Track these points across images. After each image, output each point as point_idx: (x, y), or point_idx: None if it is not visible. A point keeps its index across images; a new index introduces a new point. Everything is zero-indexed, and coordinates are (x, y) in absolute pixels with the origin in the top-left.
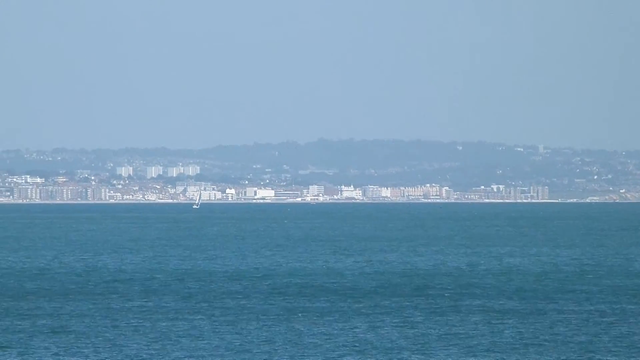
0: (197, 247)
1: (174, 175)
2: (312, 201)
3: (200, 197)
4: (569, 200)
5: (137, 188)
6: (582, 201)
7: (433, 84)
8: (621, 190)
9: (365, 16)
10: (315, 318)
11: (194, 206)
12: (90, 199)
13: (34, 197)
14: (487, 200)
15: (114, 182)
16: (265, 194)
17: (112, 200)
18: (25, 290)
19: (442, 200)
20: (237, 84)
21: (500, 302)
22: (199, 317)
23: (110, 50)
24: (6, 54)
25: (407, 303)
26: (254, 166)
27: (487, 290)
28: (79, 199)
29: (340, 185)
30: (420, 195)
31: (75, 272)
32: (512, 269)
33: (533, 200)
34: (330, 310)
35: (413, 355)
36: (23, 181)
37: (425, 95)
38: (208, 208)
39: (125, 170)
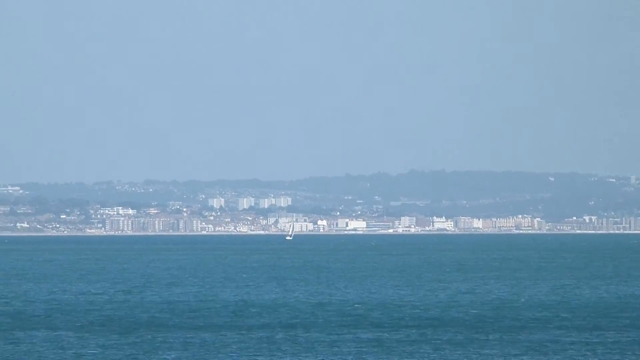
0: (325, 279)
1: (266, 207)
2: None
3: (293, 228)
4: None
5: (228, 219)
6: None
7: (525, 116)
8: None
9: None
10: None
11: (287, 237)
12: (182, 231)
13: (125, 229)
14: (579, 232)
15: (206, 213)
16: (357, 225)
17: (203, 232)
18: (218, 325)
19: (533, 232)
20: (328, 116)
21: None
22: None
23: (197, 83)
24: (100, 86)
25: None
26: (346, 197)
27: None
28: (170, 231)
29: (432, 216)
30: (511, 226)
31: (228, 304)
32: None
33: (626, 232)
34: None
35: None
36: (115, 213)
37: (516, 127)
38: (301, 239)
39: (217, 202)
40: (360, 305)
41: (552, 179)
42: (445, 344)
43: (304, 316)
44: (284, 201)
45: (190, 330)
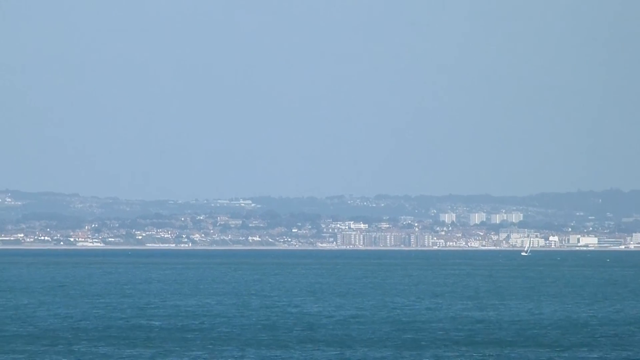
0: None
1: (497, 222)
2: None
3: (530, 244)
4: None
5: (460, 235)
6: None
7: None
8: None
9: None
10: None
11: (523, 253)
12: (413, 246)
13: (357, 243)
14: None
15: (437, 228)
16: (588, 241)
17: (435, 247)
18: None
19: None
20: (557, 133)
21: None
22: None
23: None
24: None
25: None
26: (577, 213)
27: None
28: (402, 245)
29: None
30: None
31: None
32: None
33: None
34: None
35: None
36: (346, 227)
37: None
38: (539, 255)
39: (448, 217)
40: None
41: None
42: None
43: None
44: (516, 217)
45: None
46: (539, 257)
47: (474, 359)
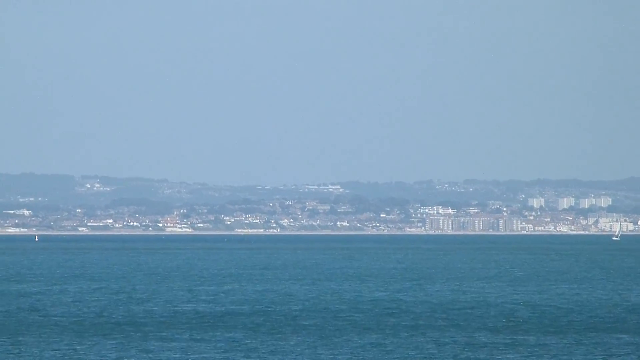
0: None
1: (586, 207)
2: None
3: (620, 228)
4: None
5: (548, 219)
6: None
7: None
8: None
9: None
10: None
11: (614, 238)
12: (501, 230)
13: (445, 228)
14: None
15: (526, 213)
16: None
17: (523, 232)
18: None
19: None
20: None
21: None
22: None
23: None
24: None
25: None
26: None
27: None
28: (490, 230)
29: None
30: None
31: None
32: None
33: None
34: None
35: None
36: (435, 212)
37: None
38: (628, 239)
39: (536, 202)
40: None
41: None
42: None
43: None
44: (604, 201)
45: None
46: (630, 242)
47: None
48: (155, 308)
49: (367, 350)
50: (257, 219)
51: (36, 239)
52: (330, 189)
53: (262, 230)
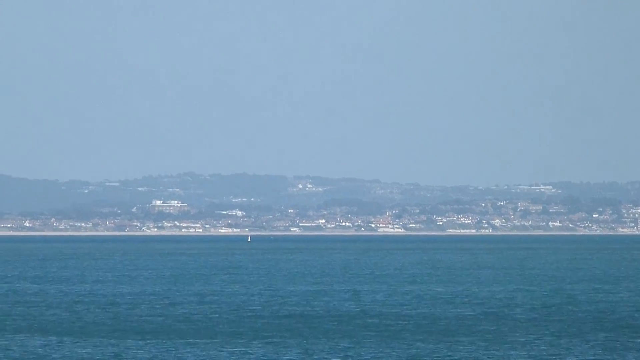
0: None
1: None
2: None
3: None
4: None
5: None
6: None
7: None
8: None
9: None
10: None
11: None
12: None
13: None
14: None
15: None
16: None
17: None
18: None
19: None
20: None
21: None
22: None
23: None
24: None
25: None
26: None
27: None
28: None
29: None
30: None
31: None
32: None
33: None
34: None
35: None
36: None
37: None
38: None
39: None
40: None
41: None
42: None
43: None
44: None
45: None
46: None
47: None
48: None
49: None
50: (469, 220)
51: (248, 240)
52: (542, 189)
53: (474, 230)
